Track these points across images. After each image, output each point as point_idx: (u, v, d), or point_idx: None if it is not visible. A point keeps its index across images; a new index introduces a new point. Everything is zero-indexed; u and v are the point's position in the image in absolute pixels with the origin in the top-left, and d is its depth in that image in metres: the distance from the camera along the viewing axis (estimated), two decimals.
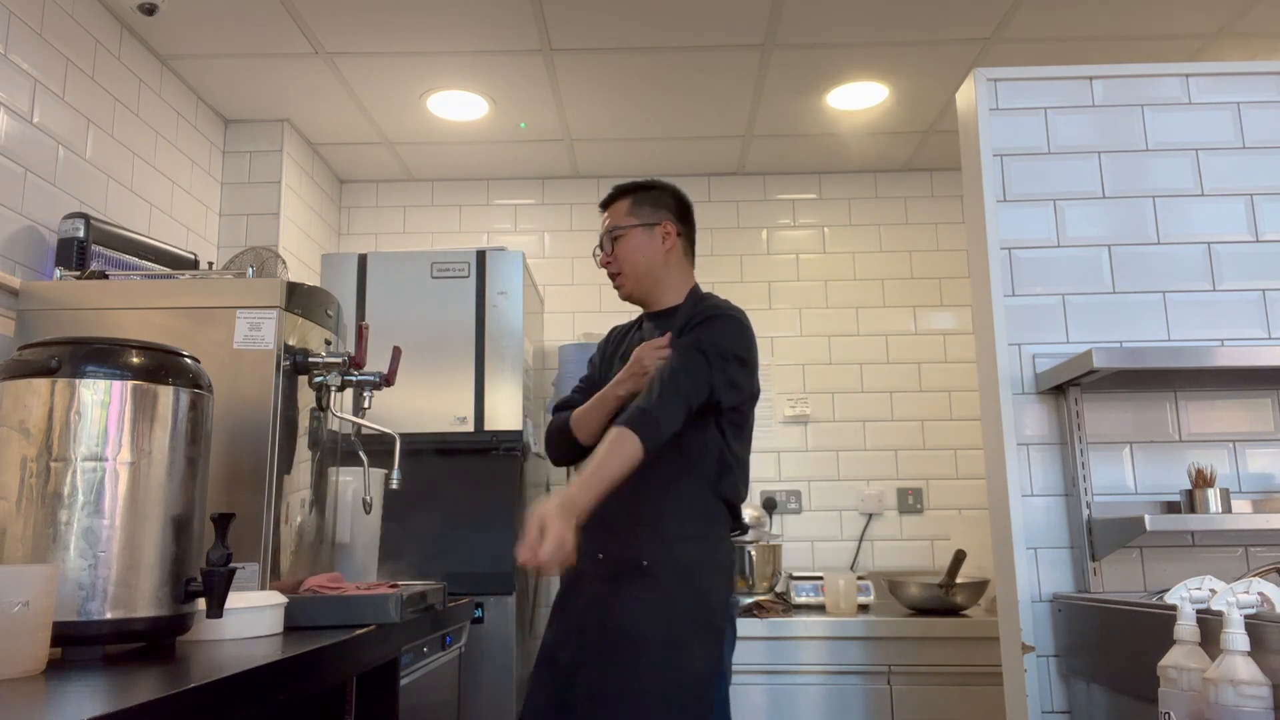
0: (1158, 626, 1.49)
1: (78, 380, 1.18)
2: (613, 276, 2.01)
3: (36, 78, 2.23)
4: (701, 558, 1.83)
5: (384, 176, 3.70)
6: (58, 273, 2.11)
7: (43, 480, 1.15)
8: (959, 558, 2.80)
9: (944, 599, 2.79)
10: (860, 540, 3.43)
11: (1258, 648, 1.24)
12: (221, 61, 2.82)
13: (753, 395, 1.92)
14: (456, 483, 2.75)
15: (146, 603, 1.18)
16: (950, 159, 3.58)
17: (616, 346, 2.08)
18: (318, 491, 1.94)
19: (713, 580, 1.83)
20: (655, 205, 1.99)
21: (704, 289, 2.01)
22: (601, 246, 2.01)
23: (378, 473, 2.05)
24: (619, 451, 1.66)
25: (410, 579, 2.17)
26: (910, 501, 3.45)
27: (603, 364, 2.09)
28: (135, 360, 1.22)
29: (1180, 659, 1.35)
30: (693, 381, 1.77)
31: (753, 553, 2.97)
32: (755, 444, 3.61)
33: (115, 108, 2.55)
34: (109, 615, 1.14)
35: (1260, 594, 1.36)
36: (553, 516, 1.52)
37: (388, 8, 2.56)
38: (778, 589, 3.07)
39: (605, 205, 2.04)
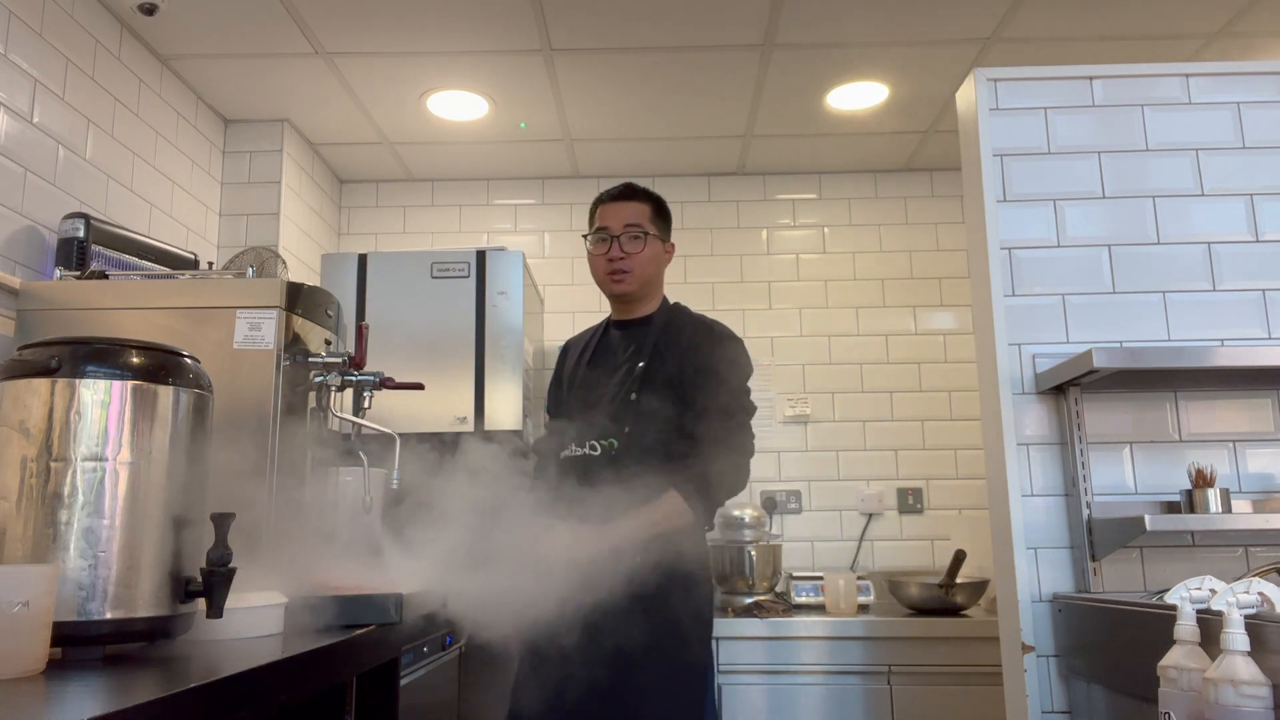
0: (1158, 626, 1.49)
1: (78, 380, 1.18)
2: (619, 271, 1.99)
3: (36, 78, 2.23)
4: (689, 557, 1.88)
5: (384, 176, 3.70)
6: (58, 273, 2.11)
7: (43, 480, 1.15)
8: (959, 558, 2.80)
9: (944, 599, 2.79)
10: (860, 540, 3.43)
11: (1258, 648, 1.24)
12: (221, 61, 2.82)
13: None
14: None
15: (146, 603, 1.18)
16: (950, 159, 3.57)
17: (580, 355, 2.11)
18: (318, 491, 1.94)
19: (697, 578, 1.90)
20: (668, 223, 2.10)
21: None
22: (615, 239, 1.99)
23: (378, 473, 2.05)
24: (663, 515, 1.79)
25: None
26: (910, 501, 3.45)
27: (566, 382, 2.13)
28: (135, 360, 1.22)
29: (1180, 659, 1.35)
30: (743, 446, 1.91)
31: (753, 553, 2.97)
32: (755, 444, 3.60)
33: (115, 108, 2.55)
34: (109, 615, 1.14)
35: (1260, 594, 1.36)
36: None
37: (388, 8, 2.56)
38: (778, 589, 3.07)
39: (619, 198, 2.03)
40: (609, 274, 2.00)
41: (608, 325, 2.12)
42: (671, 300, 2.11)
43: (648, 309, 2.06)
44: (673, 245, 2.10)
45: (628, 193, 2.04)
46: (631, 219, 2.00)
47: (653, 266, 2.02)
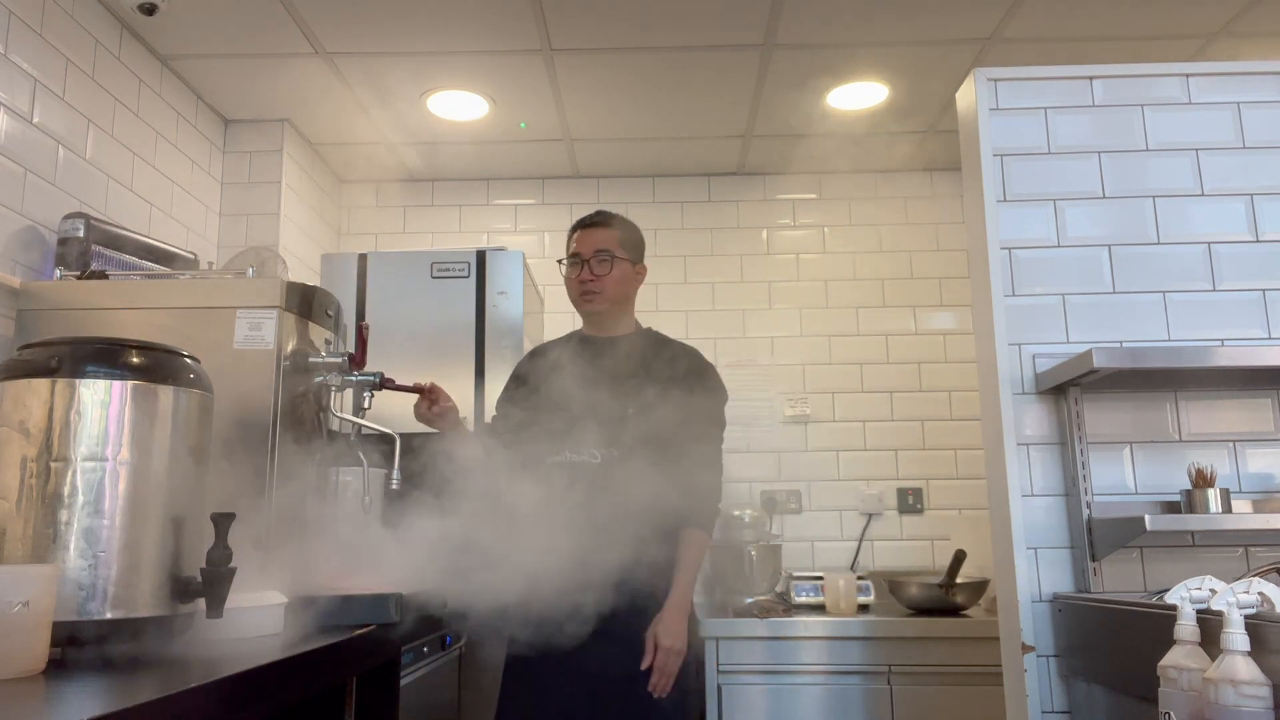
0: (1158, 626, 1.49)
1: (78, 380, 1.18)
2: (590, 293, 2.14)
3: (36, 78, 2.23)
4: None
5: (384, 176, 3.70)
6: (58, 273, 2.11)
7: (43, 480, 1.15)
8: (959, 558, 2.80)
9: (944, 599, 2.79)
10: (860, 540, 3.43)
11: (1258, 648, 1.24)
12: (221, 61, 2.82)
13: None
14: None
15: (146, 603, 1.18)
16: (950, 159, 3.57)
17: (555, 365, 2.17)
18: (318, 492, 1.94)
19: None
20: (637, 246, 2.23)
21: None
22: (585, 263, 2.14)
23: (378, 473, 2.05)
24: (697, 551, 2.02)
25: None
26: (910, 501, 3.45)
27: (539, 388, 2.17)
28: (135, 360, 1.22)
29: (1180, 659, 1.35)
30: (718, 455, 2.13)
31: (753, 553, 2.97)
32: (755, 444, 3.61)
33: (115, 108, 2.55)
34: (109, 615, 1.14)
35: (1260, 594, 1.36)
36: (671, 637, 1.93)
37: (388, 8, 2.55)
38: (778, 589, 3.07)
39: (590, 225, 2.19)
40: (581, 294, 2.16)
41: (582, 340, 2.22)
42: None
43: (622, 329, 2.21)
44: (644, 267, 2.25)
45: (599, 220, 2.20)
46: (601, 245, 2.15)
47: (622, 287, 2.18)
